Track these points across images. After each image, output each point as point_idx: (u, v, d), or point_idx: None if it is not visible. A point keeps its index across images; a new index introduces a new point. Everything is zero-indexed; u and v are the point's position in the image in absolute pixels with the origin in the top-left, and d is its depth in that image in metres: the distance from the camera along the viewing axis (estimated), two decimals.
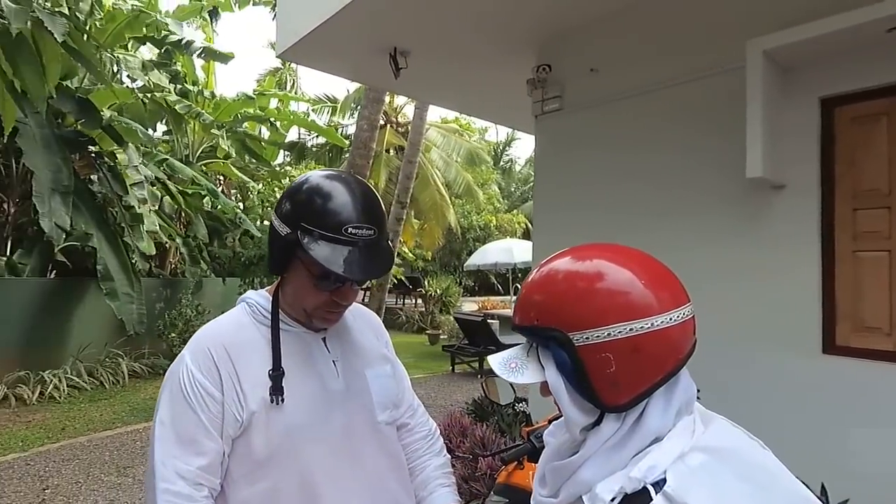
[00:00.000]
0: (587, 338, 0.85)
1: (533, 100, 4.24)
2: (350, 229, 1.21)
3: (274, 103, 14.46)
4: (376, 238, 1.25)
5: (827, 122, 2.75)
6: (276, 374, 1.26)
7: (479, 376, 9.95)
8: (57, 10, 4.35)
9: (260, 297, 1.38)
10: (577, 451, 0.93)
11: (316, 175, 1.30)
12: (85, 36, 6.77)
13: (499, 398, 2.34)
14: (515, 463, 2.19)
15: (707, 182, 3.16)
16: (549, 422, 2.03)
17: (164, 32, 10.35)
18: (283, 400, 1.25)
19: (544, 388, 0.95)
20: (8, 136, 7.94)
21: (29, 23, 2.99)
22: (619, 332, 0.84)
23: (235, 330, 1.32)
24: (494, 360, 0.97)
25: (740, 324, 2.95)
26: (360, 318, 1.53)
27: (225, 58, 11.13)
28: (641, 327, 0.84)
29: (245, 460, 1.24)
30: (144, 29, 9.74)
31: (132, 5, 9.72)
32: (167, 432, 1.20)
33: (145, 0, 10.82)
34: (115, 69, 10.55)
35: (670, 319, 0.85)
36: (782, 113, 2.80)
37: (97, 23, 9.58)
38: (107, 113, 9.59)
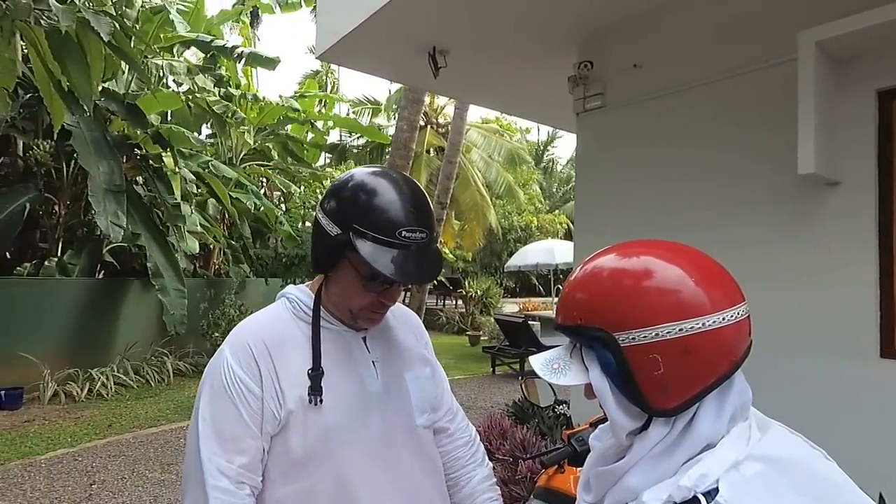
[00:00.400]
0: (633, 338, 0.81)
1: (574, 97, 4.18)
2: (403, 233, 1.19)
3: (316, 106, 14.64)
4: (427, 241, 1.23)
5: (885, 115, 2.62)
6: (316, 373, 1.24)
7: (519, 378, 9.89)
8: (101, 10, 4.44)
9: (301, 294, 1.35)
10: (623, 456, 0.89)
11: (362, 172, 1.27)
12: (131, 41, 6.91)
13: (539, 400, 2.29)
14: (556, 466, 2.15)
15: (757, 179, 3.05)
16: (591, 425, 1.98)
17: (194, 34, 10.54)
18: (321, 400, 1.23)
19: (589, 391, 0.91)
20: (58, 139, 8.20)
21: (75, 22, 3.07)
22: (669, 332, 0.79)
23: (275, 326, 1.30)
24: (536, 361, 0.94)
25: (791, 326, 2.84)
26: (401, 318, 1.51)
27: (271, 63, 11.26)
28: (692, 327, 0.79)
29: (281, 459, 1.23)
30: (178, 29, 9.91)
31: (159, 4, 9.94)
32: (208, 429, 1.19)
33: (192, 4, 11.07)
34: (161, 74, 10.82)
35: (723, 319, 0.81)
36: (836, 106, 2.69)
37: (136, 25, 9.85)
38: (154, 118, 9.84)
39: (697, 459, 0.81)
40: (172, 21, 9.80)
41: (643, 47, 3.75)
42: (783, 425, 0.88)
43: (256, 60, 11.42)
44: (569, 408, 2.43)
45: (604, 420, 1.97)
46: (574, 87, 4.16)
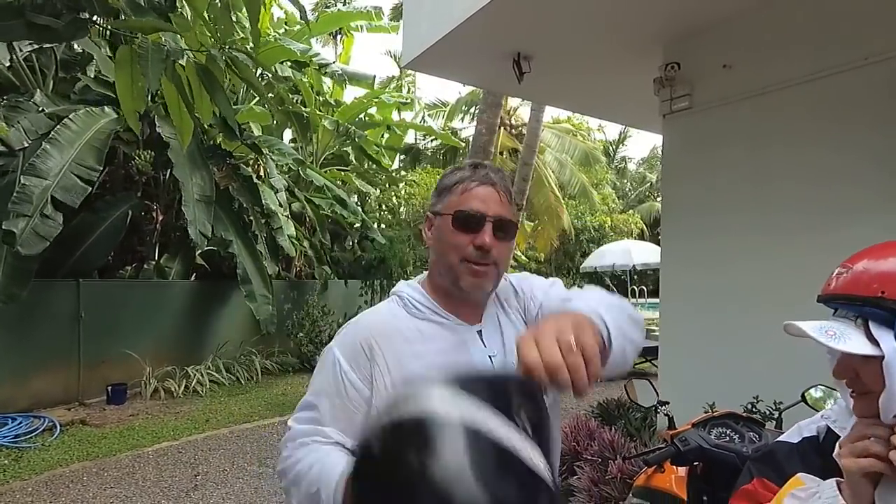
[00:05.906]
0: None
1: (660, 99, 4.17)
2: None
3: (395, 115, 15.08)
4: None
5: None
6: None
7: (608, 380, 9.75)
8: (238, 48, 5.18)
9: (413, 290, 1.38)
10: None
11: None
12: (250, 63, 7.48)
13: (638, 400, 2.33)
14: (656, 466, 2.18)
15: (868, 180, 2.98)
16: (693, 426, 2.01)
17: (308, 56, 11.12)
18: None
19: (845, 368, 0.95)
20: (156, 149, 8.72)
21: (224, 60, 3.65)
22: None
23: (390, 321, 1.34)
24: (808, 325, 0.95)
25: None
26: (504, 298, 1.47)
27: (366, 80, 12.61)
28: None
29: None
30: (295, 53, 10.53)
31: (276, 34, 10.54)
32: (306, 414, 1.26)
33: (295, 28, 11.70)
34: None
35: None
36: None
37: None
38: (255, 131, 10.35)
39: None
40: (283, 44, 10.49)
41: (733, 48, 3.72)
42: None
43: (354, 78, 12.62)
44: (670, 408, 2.45)
45: (705, 422, 1.99)
46: (660, 89, 4.15)
